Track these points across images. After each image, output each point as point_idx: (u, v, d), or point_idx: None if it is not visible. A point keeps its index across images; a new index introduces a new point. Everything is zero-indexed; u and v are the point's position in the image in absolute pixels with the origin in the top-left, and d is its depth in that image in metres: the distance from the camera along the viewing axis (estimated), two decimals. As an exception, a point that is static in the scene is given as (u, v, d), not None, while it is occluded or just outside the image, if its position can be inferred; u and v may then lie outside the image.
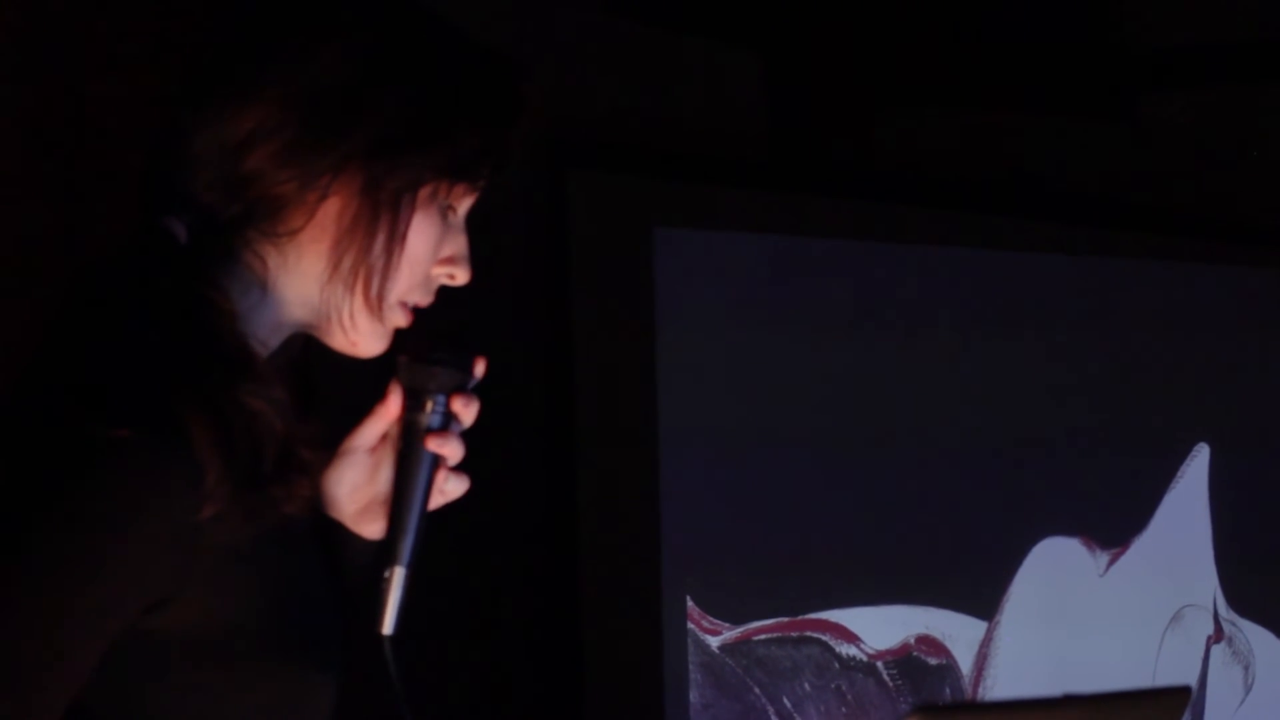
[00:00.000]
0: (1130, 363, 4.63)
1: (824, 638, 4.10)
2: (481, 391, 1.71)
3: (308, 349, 1.70)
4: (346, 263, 1.61)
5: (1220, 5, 4.80)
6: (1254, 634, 4.80)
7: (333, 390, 1.76)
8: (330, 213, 1.60)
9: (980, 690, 4.35)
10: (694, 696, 3.93)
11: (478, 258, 1.68)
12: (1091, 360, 4.58)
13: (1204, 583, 4.72)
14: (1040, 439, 4.47)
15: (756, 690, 4.02)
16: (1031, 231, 4.56)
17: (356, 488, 1.72)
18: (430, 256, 1.65)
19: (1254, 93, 4.96)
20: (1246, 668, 4.79)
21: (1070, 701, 1.52)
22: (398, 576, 1.67)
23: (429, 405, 1.67)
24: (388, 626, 1.66)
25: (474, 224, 1.70)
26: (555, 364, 3.82)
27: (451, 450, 1.69)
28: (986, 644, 4.35)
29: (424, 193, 1.62)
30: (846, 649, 4.13)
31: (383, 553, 1.68)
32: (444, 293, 1.70)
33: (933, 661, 4.27)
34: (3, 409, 1.53)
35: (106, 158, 3.23)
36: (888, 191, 4.42)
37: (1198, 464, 4.72)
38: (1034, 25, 4.69)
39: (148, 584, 1.50)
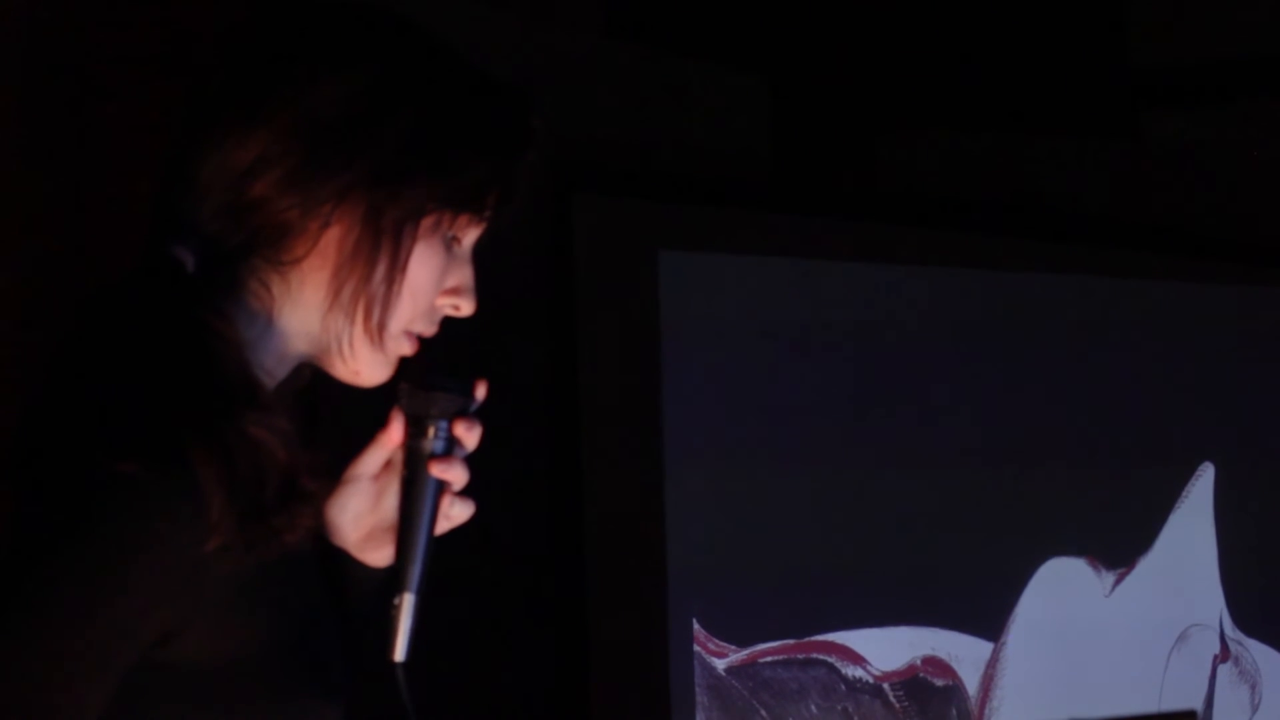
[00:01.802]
0: (1134, 382, 4.64)
1: (830, 659, 4.10)
2: (486, 414, 1.71)
3: (313, 378, 1.71)
4: (347, 292, 1.61)
5: (1221, 23, 4.81)
6: (1261, 653, 4.80)
7: (336, 418, 1.76)
8: (332, 241, 1.60)
9: (986, 712, 4.34)
10: (700, 718, 3.93)
11: (483, 288, 1.68)
12: (1096, 380, 4.58)
13: (1210, 602, 4.72)
14: (1045, 459, 4.47)
15: (763, 712, 4.02)
16: (1035, 251, 4.57)
17: (360, 515, 1.73)
18: (433, 287, 1.65)
19: (1255, 110, 4.97)
20: (1253, 687, 4.79)
21: (1076, 724, 1.52)
22: (407, 603, 1.67)
23: (431, 431, 1.68)
24: (399, 653, 1.66)
25: (479, 247, 1.70)
26: (560, 386, 3.83)
27: (456, 475, 1.69)
28: (993, 665, 4.35)
29: (427, 223, 1.62)
30: (853, 670, 4.13)
31: (392, 580, 1.68)
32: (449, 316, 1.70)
33: (939, 683, 4.26)
34: (10, 441, 1.53)
35: (112, 181, 3.23)
36: (891, 213, 4.43)
37: (1203, 483, 4.72)
38: (1035, 46, 4.69)
39: (156, 617, 1.49)
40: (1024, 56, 4.70)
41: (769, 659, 4.02)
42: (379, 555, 1.73)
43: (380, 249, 1.60)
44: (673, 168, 4.12)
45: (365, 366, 1.65)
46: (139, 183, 1.63)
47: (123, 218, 3.09)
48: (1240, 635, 4.76)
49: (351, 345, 1.63)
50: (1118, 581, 4.56)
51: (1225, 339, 4.81)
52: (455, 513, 1.71)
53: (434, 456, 1.68)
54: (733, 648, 3.97)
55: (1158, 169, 4.88)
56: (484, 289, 1.70)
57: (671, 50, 4.20)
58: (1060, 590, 4.45)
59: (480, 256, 1.70)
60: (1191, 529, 4.69)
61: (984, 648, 4.33)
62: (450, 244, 1.65)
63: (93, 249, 3.19)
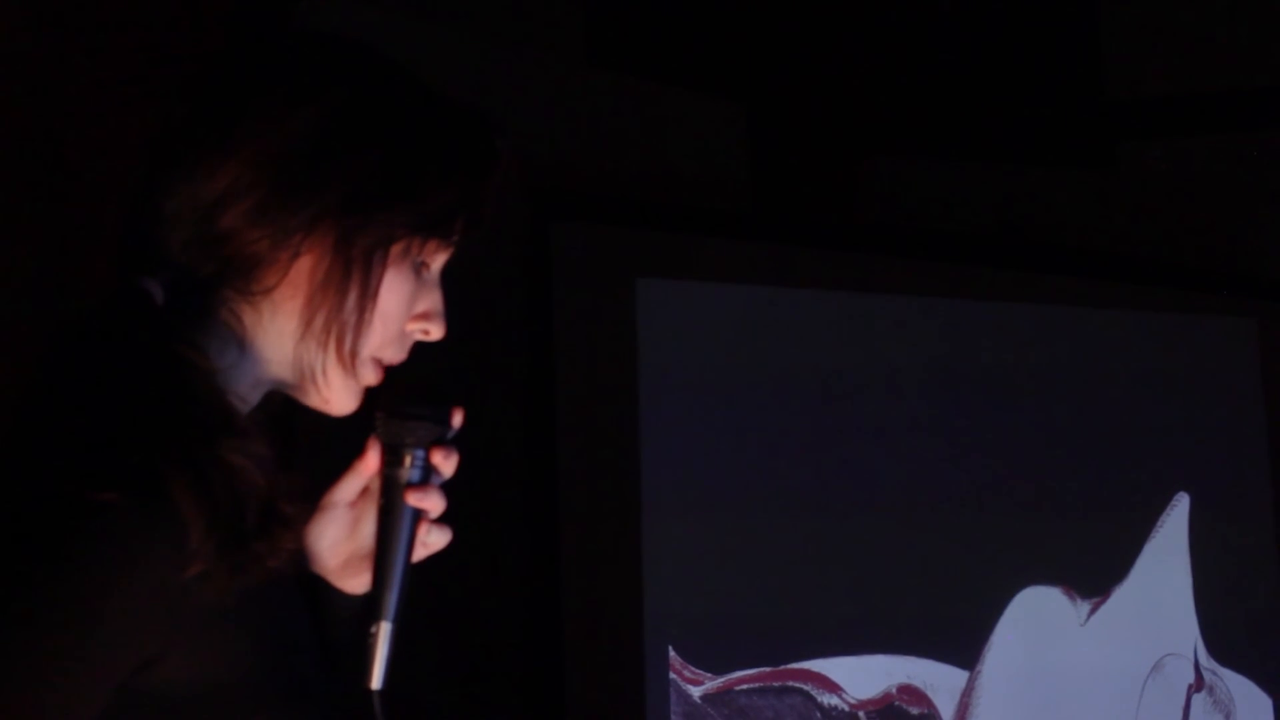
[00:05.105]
0: (1110, 412, 4.64)
1: (806, 687, 4.10)
2: (463, 442, 1.71)
3: (289, 402, 1.71)
4: (319, 320, 1.61)
5: (1198, 56, 4.84)
6: (1235, 683, 4.81)
7: (313, 444, 1.77)
8: (303, 270, 1.60)
9: (962, 740, 4.34)
10: (676, 746, 3.92)
11: (461, 315, 1.69)
12: (1072, 409, 4.59)
13: (1185, 632, 4.73)
14: (1020, 488, 4.48)
15: (738, 740, 4.01)
16: (1012, 281, 4.58)
17: (337, 542, 1.73)
18: (403, 313, 1.65)
19: (1232, 141, 4.99)
20: (1227, 716, 4.80)
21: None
22: (384, 631, 1.67)
23: (408, 460, 1.68)
24: (376, 681, 1.66)
25: (457, 275, 1.71)
26: (538, 414, 3.83)
27: (432, 503, 1.69)
28: (968, 694, 4.35)
29: (396, 249, 1.63)
30: (828, 698, 4.13)
31: (368, 608, 1.68)
32: (427, 343, 1.70)
33: (914, 711, 4.27)
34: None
35: (86, 204, 3.24)
36: (870, 242, 4.44)
37: (1178, 513, 4.73)
38: (1015, 77, 4.71)
39: (136, 645, 1.49)
40: (1003, 88, 4.72)
41: (745, 686, 4.02)
42: (356, 582, 1.73)
43: (351, 277, 1.60)
44: (651, 195, 4.13)
45: (336, 394, 1.65)
46: (114, 202, 1.63)
47: (103, 239, 3.09)
48: (1214, 664, 4.76)
49: (325, 373, 1.63)
50: (1093, 611, 4.57)
51: (1201, 369, 4.82)
52: (432, 540, 1.71)
53: (410, 485, 1.68)
54: (709, 675, 3.97)
55: (1134, 200, 4.90)
56: (462, 317, 1.70)
57: (651, 78, 4.21)
58: (1035, 619, 4.46)
59: (457, 284, 1.70)
60: (1166, 559, 4.70)
61: (959, 676, 4.34)
62: (419, 269, 1.66)
63: (73, 270, 3.19)
